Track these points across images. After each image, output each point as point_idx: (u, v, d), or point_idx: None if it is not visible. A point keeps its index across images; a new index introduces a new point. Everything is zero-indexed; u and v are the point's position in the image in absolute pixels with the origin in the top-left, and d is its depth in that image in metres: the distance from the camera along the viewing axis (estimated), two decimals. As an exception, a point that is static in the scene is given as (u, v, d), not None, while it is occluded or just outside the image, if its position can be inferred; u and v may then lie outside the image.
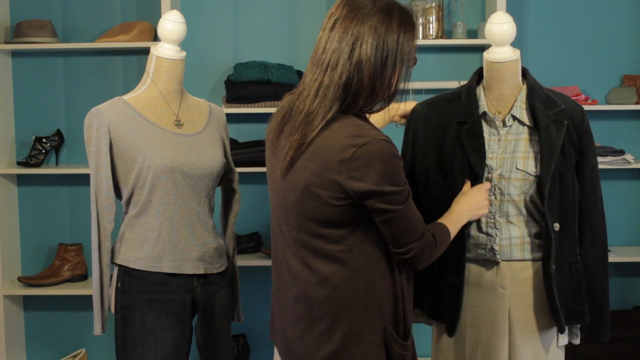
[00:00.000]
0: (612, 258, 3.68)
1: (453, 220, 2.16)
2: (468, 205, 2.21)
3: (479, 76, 2.43)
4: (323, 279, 1.95)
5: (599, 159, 3.62)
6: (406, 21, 1.95)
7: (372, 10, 1.92)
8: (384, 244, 1.97)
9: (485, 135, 2.34)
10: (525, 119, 2.33)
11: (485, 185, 2.26)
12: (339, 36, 1.91)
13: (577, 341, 2.41)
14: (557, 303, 2.27)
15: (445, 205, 2.24)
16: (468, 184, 2.27)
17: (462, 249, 2.30)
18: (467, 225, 2.27)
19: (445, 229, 2.09)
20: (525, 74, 2.38)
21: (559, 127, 2.29)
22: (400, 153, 2.08)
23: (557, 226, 2.27)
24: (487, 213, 2.26)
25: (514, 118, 2.34)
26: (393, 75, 1.94)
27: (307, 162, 1.91)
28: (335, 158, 1.87)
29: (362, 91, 1.92)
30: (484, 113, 2.35)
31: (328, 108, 1.90)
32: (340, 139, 1.88)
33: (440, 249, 2.05)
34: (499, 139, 2.34)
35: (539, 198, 2.28)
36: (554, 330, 2.35)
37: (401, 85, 1.99)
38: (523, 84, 2.37)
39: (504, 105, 2.36)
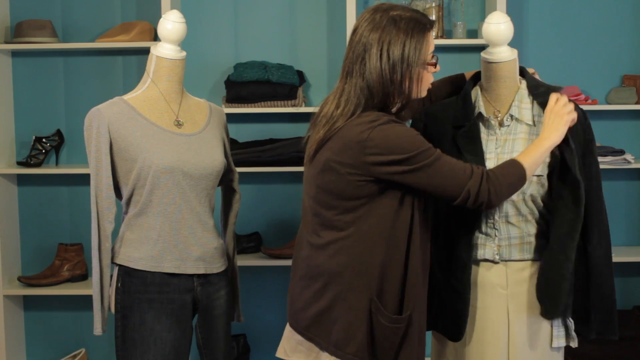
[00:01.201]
0: (612, 258, 3.68)
1: (529, 150, 2.20)
2: (552, 124, 2.23)
3: (474, 81, 2.43)
4: (325, 244, 2.16)
5: (599, 158, 3.62)
6: (414, 29, 2.11)
7: (380, 22, 2.11)
8: (386, 223, 2.12)
9: (483, 136, 2.34)
10: (524, 117, 2.32)
11: (562, 99, 2.26)
12: (353, 47, 2.14)
13: (574, 344, 2.39)
14: (566, 302, 2.28)
15: (450, 210, 2.25)
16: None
17: (467, 256, 2.29)
18: (473, 231, 2.28)
19: (509, 163, 2.17)
20: (523, 72, 2.38)
21: None
22: None
23: None
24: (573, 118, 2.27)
25: (512, 117, 2.34)
26: (404, 80, 2.12)
27: (330, 143, 2.13)
28: (354, 139, 2.08)
29: (375, 96, 2.12)
30: (480, 114, 2.35)
31: (349, 115, 2.11)
32: (358, 124, 2.09)
33: (509, 179, 2.13)
34: (496, 139, 2.34)
35: (539, 198, 2.28)
36: (553, 330, 2.35)
37: (416, 86, 2.15)
38: (521, 83, 2.36)
39: (502, 105, 2.36)
